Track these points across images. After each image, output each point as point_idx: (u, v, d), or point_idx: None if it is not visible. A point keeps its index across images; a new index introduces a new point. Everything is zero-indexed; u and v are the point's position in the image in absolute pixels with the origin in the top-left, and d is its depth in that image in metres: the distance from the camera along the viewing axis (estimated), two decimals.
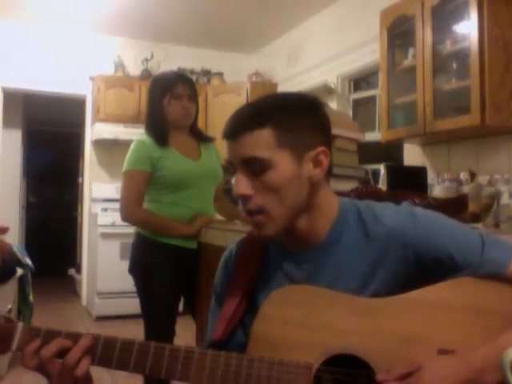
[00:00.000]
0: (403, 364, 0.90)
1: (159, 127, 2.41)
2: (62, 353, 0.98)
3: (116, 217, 4.31)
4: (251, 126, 1.00)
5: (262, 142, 0.99)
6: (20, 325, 1.00)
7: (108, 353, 0.99)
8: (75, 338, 1.00)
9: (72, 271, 6.71)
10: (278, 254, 1.13)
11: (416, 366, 0.89)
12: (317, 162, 1.03)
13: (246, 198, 1.02)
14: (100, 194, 5.68)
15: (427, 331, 0.96)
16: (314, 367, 0.95)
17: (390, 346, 0.95)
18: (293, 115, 1.03)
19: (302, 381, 0.94)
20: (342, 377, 0.96)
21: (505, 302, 0.97)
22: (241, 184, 1.02)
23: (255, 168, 1.00)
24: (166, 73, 2.60)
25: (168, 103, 2.39)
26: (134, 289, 2.44)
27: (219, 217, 2.74)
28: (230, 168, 1.06)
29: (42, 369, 0.99)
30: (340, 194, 1.58)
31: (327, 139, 1.07)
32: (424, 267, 1.00)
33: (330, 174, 1.10)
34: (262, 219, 1.02)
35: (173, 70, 2.82)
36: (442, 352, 0.93)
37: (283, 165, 1.00)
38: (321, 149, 1.03)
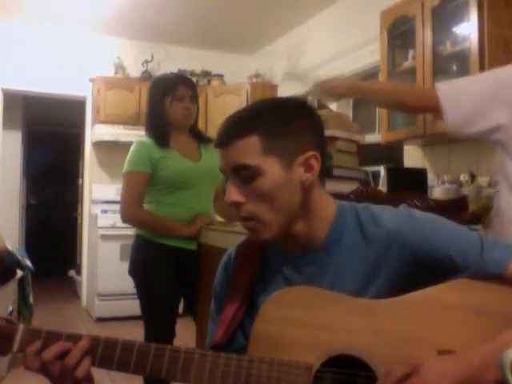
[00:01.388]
0: (401, 365, 0.90)
1: (160, 128, 2.41)
2: (63, 354, 0.99)
3: (116, 218, 4.33)
4: (239, 134, 1.01)
5: (249, 150, 1.00)
6: (21, 326, 1.01)
7: (109, 354, 1.00)
8: (76, 339, 1.00)
9: (72, 272, 6.71)
10: (277, 258, 1.13)
11: (414, 366, 0.89)
12: (307, 167, 1.03)
13: (237, 206, 1.03)
14: (100, 195, 5.69)
15: (427, 332, 0.96)
16: (314, 368, 0.95)
17: (390, 346, 0.95)
18: (280, 121, 1.03)
19: (301, 381, 0.95)
20: (341, 377, 0.96)
21: (505, 302, 0.97)
22: (232, 192, 1.02)
23: (245, 175, 1.01)
24: (166, 74, 2.61)
25: (170, 104, 2.40)
26: (133, 290, 2.45)
27: (219, 218, 2.74)
28: (224, 176, 1.06)
29: (43, 370, 1.00)
30: (340, 195, 1.58)
31: (319, 142, 1.06)
32: (424, 269, 1.00)
33: (328, 175, 1.10)
34: (255, 225, 1.03)
35: (172, 71, 2.82)
36: (442, 352, 0.93)
37: (272, 171, 1.00)
38: (311, 153, 1.03)
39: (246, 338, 1.08)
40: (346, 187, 1.92)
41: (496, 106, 1.56)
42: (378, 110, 4.30)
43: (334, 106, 4.63)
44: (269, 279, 1.12)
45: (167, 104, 2.40)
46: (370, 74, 4.59)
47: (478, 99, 1.59)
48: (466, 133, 1.63)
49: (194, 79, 5.62)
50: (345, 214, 1.08)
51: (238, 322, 1.11)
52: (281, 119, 1.03)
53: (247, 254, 1.17)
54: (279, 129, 1.02)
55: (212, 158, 2.52)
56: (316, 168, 1.03)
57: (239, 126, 1.02)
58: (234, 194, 1.02)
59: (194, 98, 2.46)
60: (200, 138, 2.57)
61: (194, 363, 0.98)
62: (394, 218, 1.04)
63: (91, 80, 5.65)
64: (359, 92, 1.91)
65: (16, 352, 1.00)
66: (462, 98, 1.61)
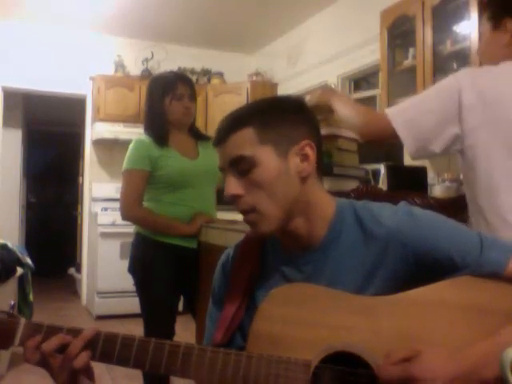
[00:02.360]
0: (403, 350, 0.91)
1: (159, 127, 2.41)
2: (63, 347, 0.99)
3: (116, 216, 4.33)
4: (234, 127, 1.03)
5: (244, 141, 1.02)
6: (22, 320, 1.02)
7: (109, 348, 1.00)
8: (76, 333, 1.01)
9: (72, 271, 6.71)
10: (276, 257, 1.13)
11: (415, 351, 0.90)
12: (303, 156, 1.04)
13: (237, 198, 1.03)
14: (100, 193, 5.69)
15: (426, 330, 0.96)
16: (313, 365, 0.95)
17: (389, 344, 0.95)
18: (273, 113, 1.05)
19: (300, 378, 0.95)
20: (340, 374, 0.96)
21: (504, 300, 0.97)
22: (230, 185, 1.03)
23: (242, 167, 1.02)
24: (164, 73, 2.60)
25: (169, 103, 2.40)
26: (133, 288, 2.45)
27: (220, 216, 2.74)
28: (223, 174, 1.07)
29: (43, 363, 1.00)
30: (340, 193, 1.59)
31: (313, 133, 1.07)
32: (423, 267, 1.00)
33: (329, 174, 1.10)
34: (255, 217, 1.03)
35: (171, 70, 2.79)
36: None
37: (268, 161, 1.01)
38: (305, 142, 1.04)
39: (244, 338, 1.08)
40: (347, 185, 1.92)
41: (448, 119, 1.55)
42: (378, 108, 4.30)
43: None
44: (268, 278, 1.12)
45: (166, 103, 2.40)
46: (371, 74, 4.59)
47: (433, 117, 1.56)
48: (431, 151, 1.60)
49: (194, 78, 5.62)
50: (344, 212, 1.08)
51: (237, 323, 1.11)
52: (275, 112, 1.05)
53: (246, 253, 1.17)
54: (274, 120, 1.04)
55: (210, 155, 2.52)
56: (311, 157, 1.04)
57: (235, 120, 1.04)
58: (232, 187, 1.03)
59: (193, 97, 2.47)
60: (198, 136, 2.58)
61: (193, 358, 0.98)
62: (394, 216, 1.04)
63: (91, 78, 5.65)
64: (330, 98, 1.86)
65: (17, 346, 1.01)
66: (417, 119, 1.57)
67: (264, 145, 1.01)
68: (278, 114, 1.05)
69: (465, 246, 0.99)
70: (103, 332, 1.01)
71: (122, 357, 1.00)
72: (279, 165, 1.02)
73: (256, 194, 1.02)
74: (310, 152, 1.04)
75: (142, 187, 2.38)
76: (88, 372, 1.02)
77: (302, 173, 1.04)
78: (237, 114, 1.06)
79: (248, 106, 1.11)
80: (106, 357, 1.00)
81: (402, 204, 1.08)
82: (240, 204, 1.03)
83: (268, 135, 1.02)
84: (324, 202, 1.09)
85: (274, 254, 1.14)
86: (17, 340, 1.00)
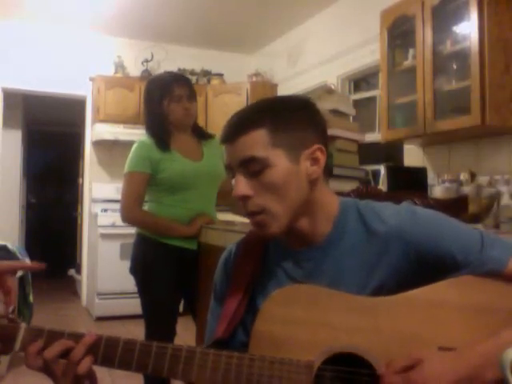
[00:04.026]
0: (403, 358, 0.91)
1: (160, 130, 2.40)
2: (65, 353, 0.99)
3: (116, 217, 4.33)
4: (246, 128, 1.02)
5: (257, 142, 1.01)
6: (23, 325, 1.01)
7: (111, 352, 1.00)
8: (78, 337, 1.01)
9: (72, 272, 6.71)
10: (277, 253, 1.14)
11: (415, 360, 0.90)
12: (314, 160, 1.05)
13: (246, 199, 1.03)
14: (100, 194, 5.69)
15: (428, 330, 0.96)
16: (316, 366, 0.95)
17: (391, 344, 0.95)
18: (285, 115, 1.05)
19: (303, 379, 0.95)
20: (343, 375, 0.96)
21: (505, 299, 0.97)
22: (240, 185, 1.03)
23: (253, 168, 1.01)
24: (161, 75, 2.58)
25: (168, 106, 2.39)
26: (133, 289, 2.45)
27: (221, 217, 2.73)
28: (229, 173, 1.07)
29: (45, 369, 1.00)
30: (340, 194, 1.58)
31: (322, 136, 1.08)
32: (425, 265, 1.01)
33: (330, 174, 1.10)
34: (264, 218, 1.03)
35: (167, 71, 2.75)
36: (443, 350, 0.93)
37: (280, 163, 1.01)
38: (316, 146, 1.04)
39: (246, 333, 1.08)
40: (347, 186, 1.92)
41: None
42: (378, 109, 4.31)
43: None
44: (269, 275, 1.12)
45: (165, 105, 2.39)
46: (371, 74, 4.59)
47: None
48: None
49: (194, 78, 5.62)
50: (347, 210, 1.09)
51: (239, 317, 1.11)
52: (286, 114, 1.05)
53: (248, 250, 1.17)
54: (285, 123, 1.03)
55: (213, 154, 2.51)
56: (322, 161, 1.05)
57: (247, 120, 1.03)
58: (242, 188, 1.02)
59: (192, 97, 2.44)
60: (201, 135, 2.57)
61: (195, 362, 0.98)
62: (397, 214, 1.05)
63: (91, 79, 5.64)
64: None
65: (18, 351, 1.00)
66: None
67: (276, 147, 1.01)
68: (289, 116, 1.05)
69: (467, 244, 1.00)
70: (105, 336, 1.01)
71: (123, 361, 0.99)
72: (290, 167, 1.02)
73: (266, 195, 1.02)
74: (321, 156, 1.05)
75: (143, 189, 2.37)
76: (91, 377, 1.02)
77: (312, 175, 1.04)
78: (247, 113, 1.06)
79: (257, 105, 1.09)
80: (108, 361, 1.00)
81: (405, 203, 1.09)
82: (249, 205, 1.03)
83: (281, 138, 1.02)
84: (329, 201, 1.10)
85: (276, 251, 1.14)
86: (17, 345, 1.00)
